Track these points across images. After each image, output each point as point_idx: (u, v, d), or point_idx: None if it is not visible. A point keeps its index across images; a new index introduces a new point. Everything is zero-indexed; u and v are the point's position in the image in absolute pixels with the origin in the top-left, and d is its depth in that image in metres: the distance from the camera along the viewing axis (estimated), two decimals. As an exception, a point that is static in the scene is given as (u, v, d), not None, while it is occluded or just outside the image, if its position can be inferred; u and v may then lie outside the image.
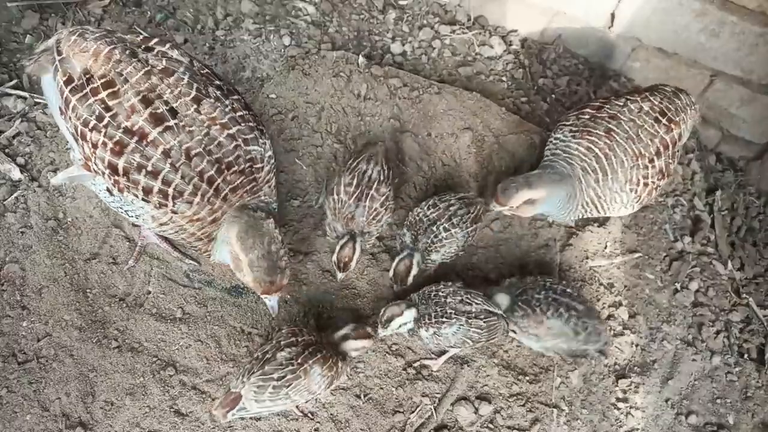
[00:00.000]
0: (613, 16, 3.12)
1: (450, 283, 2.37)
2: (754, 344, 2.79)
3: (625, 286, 2.79)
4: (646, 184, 2.43)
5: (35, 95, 2.74)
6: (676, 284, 2.84)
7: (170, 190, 1.93)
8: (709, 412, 2.62)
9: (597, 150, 2.39)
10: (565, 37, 3.35)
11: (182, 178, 1.92)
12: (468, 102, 3.03)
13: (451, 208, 2.45)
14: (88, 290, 2.41)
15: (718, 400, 2.65)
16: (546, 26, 3.34)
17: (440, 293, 2.33)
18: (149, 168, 1.89)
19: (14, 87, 2.75)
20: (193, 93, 1.96)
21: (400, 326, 2.30)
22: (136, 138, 1.88)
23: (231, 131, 2.01)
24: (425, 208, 2.47)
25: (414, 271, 2.42)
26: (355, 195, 2.40)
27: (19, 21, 2.91)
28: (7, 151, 2.60)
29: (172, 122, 1.90)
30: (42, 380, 2.25)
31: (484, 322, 2.29)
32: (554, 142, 2.53)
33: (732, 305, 2.87)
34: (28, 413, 2.20)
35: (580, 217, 2.55)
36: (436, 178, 2.87)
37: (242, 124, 2.05)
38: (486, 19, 3.42)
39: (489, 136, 2.97)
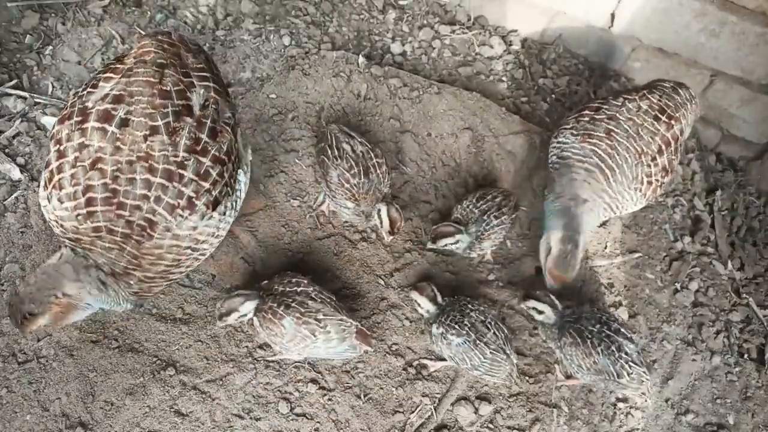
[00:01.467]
0: (613, 16, 3.12)
1: (485, 307, 2.39)
2: (754, 344, 2.79)
3: (625, 286, 2.79)
4: (650, 182, 2.43)
5: (35, 95, 2.74)
6: (676, 284, 2.84)
7: (55, 178, 1.82)
8: (709, 412, 2.62)
9: (600, 151, 2.38)
10: (565, 37, 3.35)
11: (72, 177, 1.80)
12: (468, 102, 3.03)
13: (496, 200, 2.60)
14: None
15: (718, 400, 2.65)
16: (546, 26, 3.34)
17: (471, 306, 2.34)
18: (61, 147, 1.83)
19: (14, 87, 2.75)
20: (159, 122, 1.84)
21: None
22: (80, 117, 1.84)
23: (152, 179, 1.80)
24: (473, 200, 2.60)
25: (449, 241, 2.49)
26: (361, 173, 2.46)
27: (19, 21, 2.91)
28: (7, 151, 2.60)
29: (110, 128, 1.81)
30: (42, 380, 2.25)
31: (490, 353, 2.26)
32: (557, 146, 2.52)
33: (732, 305, 2.87)
34: (28, 413, 2.20)
35: (605, 219, 2.53)
36: (437, 178, 2.88)
37: (174, 185, 1.83)
38: (486, 19, 3.42)
39: (489, 136, 2.97)
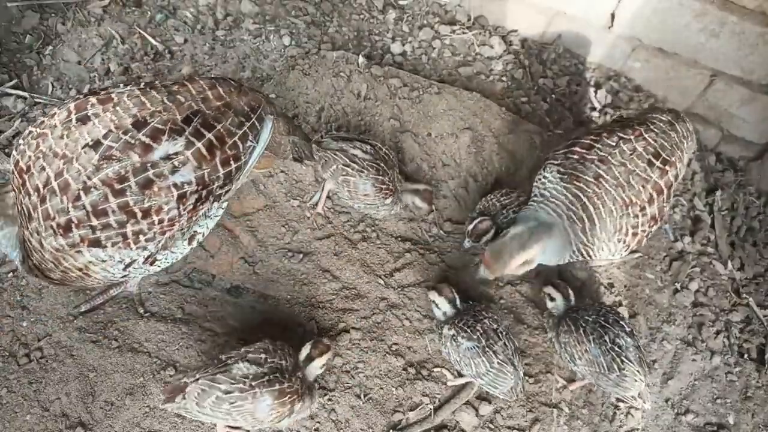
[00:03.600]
0: (613, 16, 3.12)
1: (499, 317, 2.40)
2: (754, 344, 2.79)
3: (625, 286, 2.79)
4: (635, 234, 2.27)
5: (35, 95, 2.74)
6: (676, 284, 2.84)
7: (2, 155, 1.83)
8: (709, 412, 2.62)
9: (585, 198, 2.22)
10: (565, 37, 3.35)
11: (13, 164, 1.82)
12: (468, 102, 3.03)
13: (520, 198, 2.66)
14: (88, 290, 2.41)
15: (718, 400, 2.65)
16: (546, 26, 3.34)
17: (485, 313, 2.35)
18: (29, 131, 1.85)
19: (14, 87, 2.75)
20: (105, 142, 1.75)
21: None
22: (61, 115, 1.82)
23: (87, 194, 1.73)
24: (498, 195, 2.67)
25: (491, 234, 2.56)
26: (386, 167, 2.55)
27: (19, 21, 2.91)
28: (7, 151, 2.60)
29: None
30: (42, 380, 2.25)
31: (498, 363, 2.25)
32: (542, 181, 2.37)
33: (732, 305, 2.87)
34: (28, 413, 2.20)
35: (569, 261, 2.41)
36: (437, 178, 2.88)
37: (64, 201, 1.73)
38: (486, 19, 3.42)
39: (489, 136, 2.97)
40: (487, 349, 2.25)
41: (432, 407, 2.41)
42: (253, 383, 1.97)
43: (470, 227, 2.58)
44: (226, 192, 2.03)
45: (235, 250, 2.57)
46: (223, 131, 1.91)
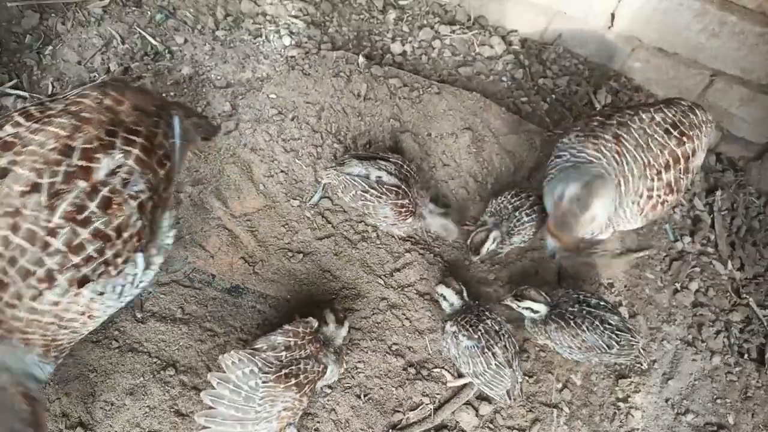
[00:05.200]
0: (613, 15, 3.12)
1: (503, 318, 2.39)
2: (754, 344, 2.80)
3: (625, 286, 2.79)
4: (650, 197, 2.29)
5: (35, 95, 2.74)
6: (676, 284, 2.84)
7: None
8: (709, 412, 2.62)
9: (606, 151, 2.25)
10: (565, 37, 3.35)
11: None
12: (468, 102, 3.03)
13: (530, 199, 2.63)
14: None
15: (718, 400, 2.65)
16: (546, 26, 3.34)
17: (488, 314, 2.35)
18: None
19: (14, 87, 2.75)
20: (44, 180, 1.64)
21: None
22: None
23: (12, 238, 1.60)
24: (508, 197, 2.64)
25: (488, 245, 2.54)
26: (406, 190, 2.51)
27: (19, 21, 2.91)
28: (7, 151, 2.60)
29: None
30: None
31: (496, 366, 2.25)
32: (563, 145, 2.40)
33: (732, 305, 2.88)
34: (28, 413, 2.20)
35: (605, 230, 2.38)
36: (437, 178, 2.88)
37: (35, 251, 1.61)
38: (486, 19, 3.42)
39: (489, 136, 2.97)
40: (486, 349, 2.25)
41: (432, 407, 2.41)
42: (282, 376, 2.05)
43: (468, 241, 2.57)
44: (168, 196, 1.97)
45: (235, 250, 2.57)
46: (148, 133, 1.86)
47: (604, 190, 2.21)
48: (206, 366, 2.34)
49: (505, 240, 2.59)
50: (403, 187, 2.51)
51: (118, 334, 2.35)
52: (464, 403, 2.42)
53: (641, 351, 2.41)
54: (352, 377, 2.41)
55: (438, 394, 2.44)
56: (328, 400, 2.35)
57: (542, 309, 2.39)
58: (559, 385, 2.53)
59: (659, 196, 2.29)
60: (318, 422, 2.31)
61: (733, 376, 2.70)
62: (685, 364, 2.68)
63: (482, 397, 2.45)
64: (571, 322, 2.32)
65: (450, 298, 2.40)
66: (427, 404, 2.41)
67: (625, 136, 2.28)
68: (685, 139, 2.31)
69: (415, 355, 2.50)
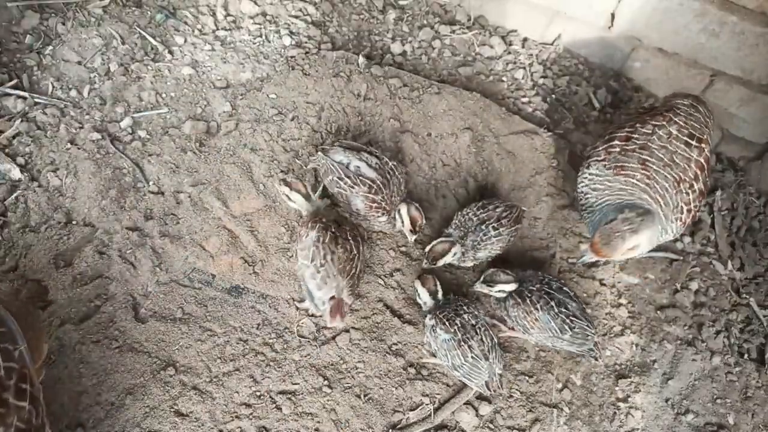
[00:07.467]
0: (613, 16, 3.12)
1: (480, 312, 2.42)
2: (754, 344, 2.79)
3: (626, 286, 2.79)
4: (689, 210, 2.34)
5: (35, 95, 2.74)
6: (676, 284, 2.84)
7: None
8: (709, 412, 2.62)
9: (636, 182, 2.29)
10: (565, 37, 3.35)
11: None
12: (468, 102, 3.03)
13: (497, 210, 2.55)
14: (88, 290, 2.42)
15: (718, 400, 2.65)
16: (546, 26, 3.34)
17: (466, 308, 2.38)
18: None
19: (14, 87, 2.75)
20: None
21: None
22: None
23: None
24: (474, 209, 2.56)
25: (448, 258, 2.49)
26: (383, 185, 2.47)
27: (19, 21, 2.91)
28: (7, 151, 2.60)
29: None
30: (42, 380, 2.25)
31: (472, 358, 2.27)
32: (590, 178, 2.42)
33: (732, 305, 2.87)
34: (28, 413, 2.20)
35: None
36: (437, 178, 2.87)
37: None
38: (486, 19, 3.42)
39: (489, 136, 2.97)
40: (462, 342, 2.28)
41: (432, 407, 2.41)
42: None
43: (427, 248, 2.51)
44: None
45: (235, 250, 2.57)
46: None
47: (654, 225, 2.27)
48: (206, 366, 2.34)
49: (467, 254, 2.53)
50: (378, 182, 2.47)
51: (118, 334, 2.35)
52: (464, 403, 2.42)
53: (596, 343, 2.44)
54: (352, 377, 2.41)
55: (438, 394, 2.44)
56: (328, 400, 2.35)
57: (514, 287, 2.43)
58: (559, 385, 2.53)
59: (696, 206, 2.37)
60: (318, 422, 2.31)
61: (733, 376, 2.70)
62: (685, 364, 2.68)
63: (482, 397, 2.45)
64: (528, 299, 2.37)
65: (423, 296, 2.42)
66: (427, 404, 2.41)
67: (650, 159, 2.32)
68: (703, 145, 2.37)
69: (415, 355, 2.50)
